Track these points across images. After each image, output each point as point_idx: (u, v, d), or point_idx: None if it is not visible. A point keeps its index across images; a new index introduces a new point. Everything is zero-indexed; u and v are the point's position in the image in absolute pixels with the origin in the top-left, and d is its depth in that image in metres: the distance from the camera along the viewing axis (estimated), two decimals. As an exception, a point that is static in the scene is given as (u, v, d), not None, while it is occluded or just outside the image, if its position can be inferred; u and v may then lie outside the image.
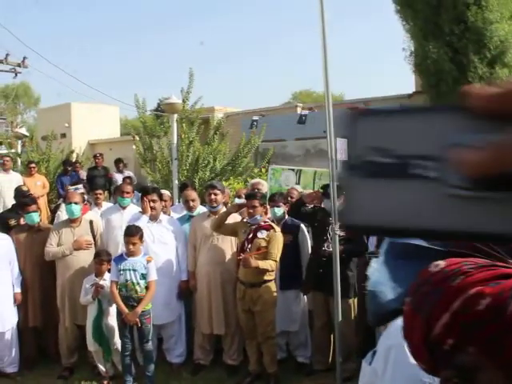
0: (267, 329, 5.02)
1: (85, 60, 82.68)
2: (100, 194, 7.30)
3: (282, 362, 5.35)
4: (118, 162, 11.34)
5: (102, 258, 5.10)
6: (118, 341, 5.12)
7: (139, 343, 5.09)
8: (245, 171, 9.95)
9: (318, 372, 5.32)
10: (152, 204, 5.41)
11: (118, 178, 10.91)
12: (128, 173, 11.23)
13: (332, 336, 5.33)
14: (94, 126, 32.31)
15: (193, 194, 5.90)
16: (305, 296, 5.53)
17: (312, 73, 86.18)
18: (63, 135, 27.01)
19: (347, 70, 76.85)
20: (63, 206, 6.45)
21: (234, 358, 5.47)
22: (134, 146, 27.94)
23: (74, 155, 14.36)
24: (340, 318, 4.64)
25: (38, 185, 10.13)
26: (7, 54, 17.41)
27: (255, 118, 19.92)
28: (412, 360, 1.63)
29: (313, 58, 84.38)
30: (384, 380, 1.71)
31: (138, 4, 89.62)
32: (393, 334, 1.74)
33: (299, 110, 22.43)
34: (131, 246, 4.92)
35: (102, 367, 5.25)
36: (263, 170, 8.94)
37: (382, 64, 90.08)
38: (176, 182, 8.74)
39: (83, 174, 10.94)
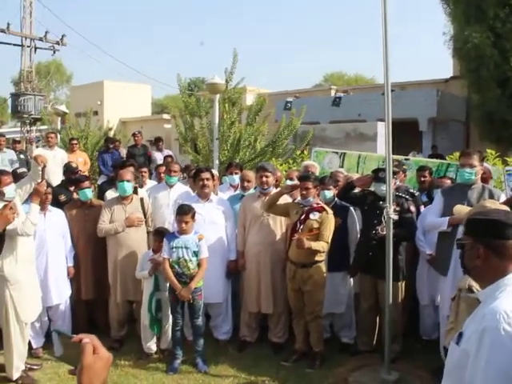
0: (316, 308, 5.11)
1: (113, 39, 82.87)
2: (145, 172, 7.40)
3: (325, 342, 5.43)
4: (157, 140, 11.46)
5: (162, 235, 5.19)
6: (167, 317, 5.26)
7: (190, 319, 5.22)
8: (285, 153, 9.98)
9: (362, 353, 5.40)
10: (205, 182, 5.49)
11: (158, 156, 11.04)
12: (167, 151, 11.36)
13: (378, 318, 5.40)
14: (125, 104, 32.65)
15: (250, 175, 5.97)
16: (351, 278, 5.59)
17: (342, 55, 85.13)
18: (95, 113, 27.31)
19: (377, 52, 75.60)
20: (109, 191, 6.54)
21: (279, 336, 5.58)
22: (165, 125, 28.17)
23: (112, 132, 14.54)
24: (391, 301, 4.70)
25: (80, 161, 10.30)
26: (46, 32, 17.64)
27: (289, 99, 19.89)
28: (509, 343, 1.69)
29: (342, 40, 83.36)
30: (478, 361, 1.75)
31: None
32: (487, 316, 1.78)
33: (333, 93, 22.33)
34: (184, 225, 5.01)
35: (148, 343, 5.38)
36: (305, 152, 8.95)
37: (417, 47, 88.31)
38: (217, 161, 8.84)
39: (123, 152, 11.10)
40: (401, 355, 5.23)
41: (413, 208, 5.23)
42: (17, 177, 5.32)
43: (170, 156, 10.25)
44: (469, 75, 15.58)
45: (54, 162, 9.58)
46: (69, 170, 7.02)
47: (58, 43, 17.98)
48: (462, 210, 4.26)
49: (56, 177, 8.75)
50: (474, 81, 15.29)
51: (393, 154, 4.80)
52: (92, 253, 5.78)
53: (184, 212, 5.03)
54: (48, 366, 5.17)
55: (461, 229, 4.18)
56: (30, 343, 5.15)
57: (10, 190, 4.61)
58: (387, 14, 4.33)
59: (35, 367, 5.05)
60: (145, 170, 7.46)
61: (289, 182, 5.61)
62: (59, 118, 13.99)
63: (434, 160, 7.77)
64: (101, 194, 7.21)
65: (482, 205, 3.75)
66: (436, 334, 5.60)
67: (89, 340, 1.37)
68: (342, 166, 7.47)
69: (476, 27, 14.39)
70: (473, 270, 2.05)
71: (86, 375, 1.32)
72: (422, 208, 5.73)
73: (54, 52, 18.37)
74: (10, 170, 6.44)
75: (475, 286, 2.98)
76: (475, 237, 2.02)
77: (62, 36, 17.86)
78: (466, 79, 16.23)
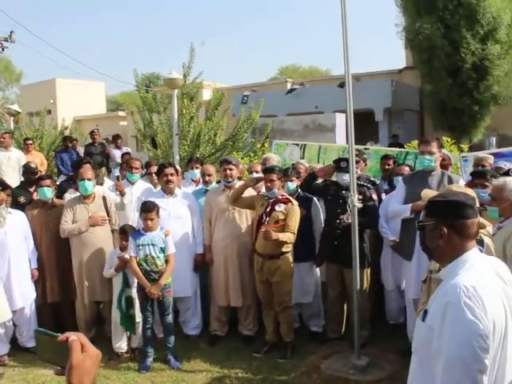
0: (285, 299, 5.16)
1: (62, 34, 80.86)
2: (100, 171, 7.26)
3: (295, 332, 5.48)
4: (115, 137, 11.29)
5: (127, 233, 5.14)
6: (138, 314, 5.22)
7: (160, 316, 5.19)
8: (245, 146, 10.01)
9: (331, 340, 5.48)
10: (170, 178, 5.46)
11: (116, 153, 10.89)
12: (126, 149, 11.21)
13: (345, 305, 5.50)
14: (79, 102, 32.01)
15: (210, 169, 5.98)
16: (317, 268, 5.67)
17: (297, 47, 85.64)
18: (49, 112, 26.62)
19: (332, 44, 76.43)
20: (71, 189, 6.43)
21: (249, 329, 5.61)
22: (121, 123, 27.72)
23: (67, 131, 14.23)
24: (358, 288, 4.79)
25: (37, 162, 10.04)
26: (-6, 29, 17.05)
27: (246, 93, 19.90)
28: (470, 315, 1.79)
29: (298, 32, 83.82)
30: (442, 335, 1.86)
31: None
32: (449, 291, 1.88)
33: (289, 85, 22.46)
34: (149, 222, 4.98)
35: (118, 343, 5.33)
36: (266, 145, 8.99)
37: (370, 39, 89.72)
38: (177, 157, 8.79)
39: (81, 151, 10.88)
40: (369, 340, 5.34)
41: (375, 196, 5.34)
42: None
43: (128, 153, 10.13)
44: (421, 66, 15.94)
45: (9, 164, 9.33)
46: (28, 170, 6.83)
47: (6, 40, 17.43)
48: (429, 194, 4.36)
49: (12, 178, 8.51)
50: (427, 71, 15.65)
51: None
52: (56, 254, 5.66)
53: (148, 209, 5.00)
54: (15, 373, 5.06)
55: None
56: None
57: None
58: (346, 7, 4.38)
59: (-2, 375, 4.90)
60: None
61: (254, 175, 5.62)
62: (12, 118, 13.58)
63: (393, 149, 7.95)
64: (60, 194, 7.05)
65: (449, 188, 3.87)
66: (402, 317, 5.75)
67: (76, 337, 1.33)
68: (302, 158, 7.54)
69: (427, 18, 14.72)
70: (435, 250, 2.14)
71: (76, 374, 1.29)
72: (384, 196, 5.86)
73: (3, 49, 17.80)
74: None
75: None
76: (437, 217, 2.10)
77: (11, 32, 17.31)
78: (419, 69, 16.60)
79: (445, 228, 2.05)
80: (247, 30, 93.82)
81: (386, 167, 6.50)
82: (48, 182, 5.72)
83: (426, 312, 2.02)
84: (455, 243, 2.06)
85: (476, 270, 1.97)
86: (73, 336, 1.33)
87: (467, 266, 1.99)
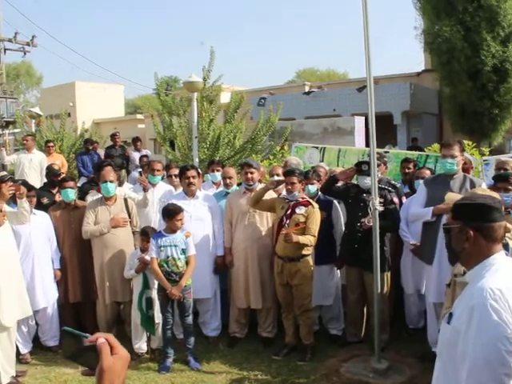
0: (305, 302, 5.17)
1: (81, 37, 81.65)
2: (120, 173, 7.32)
3: (314, 335, 5.49)
4: (135, 140, 11.39)
5: (149, 235, 5.18)
6: (158, 315, 5.26)
7: (180, 317, 5.22)
8: (264, 149, 10.04)
9: (350, 344, 5.47)
10: (191, 180, 5.50)
11: (136, 156, 10.98)
12: (145, 151, 11.30)
13: (365, 309, 5.49)
14: (98, 105, 32.33)
15: (231, 171, 6.01)
16: (338, 270, 5.67)
17: (314, 50, 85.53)
18: (68, 114, 26.94)
19: (349, 47, 76.30)
20: (93, 191, 6.51)
21: (268, 331, 5.62)
22: (139, 125, 27.94)
23: (88, 134, 14.40)
24: (379, 291, 4.78)
25: (57, 164, 10.18)
26: (16, 33, 17.35)
27: (263, 95, 19.94)
28: (496, 318, 1.79)
29: (315, 35, 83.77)
30: (468, 338, 1.85)
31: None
32: (475, 294, 1.88)
33: (307, 89, 22.45)
34: (179, 223, 5.03)
35: (138, 344, 5.38)
36: (285, 147, 9.01)
37: (388, 41, 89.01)
38: (196, 159, 8.83)
39: (102, 153, 11.00)
40: (389, 344, 5.32)
41: (396, 199, 5.33)
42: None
43: (146, 156, 10.21)
44: (440, 68, 15.86)
45: (31, 165, 9.46)
46: (51, 172, 6.93)
47: (28, 44, 17.69)
48: (454, 197, 4.35)
49: (34, 180, 8.65)
50: (446, 74, 15.57)
51: (369, 147, 4.87)
52: (78, 254, 5.73)
53: (175, 212, 5.02)
54: (37, 371, 5.13)
55: (445, 218, 4.29)
56: (17, 349, 5.10)
57: None
58: (368, 11, 4.38)
59: (19, 374, 4.95)
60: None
61: (275, 178, 5.64)
62: (33, 121, 13.77)
63: (413, 152, 7.91)
64: (82, 196, 7.14)
65: (473, 192, 3.86)
66: (422, 322, 5.72)
67: (104, 340, 1.31)
68: (322, 161, 7.55)
69: (446, 21, 14.65)
70: (461, 253, 2.13)
71: (107, 378, 1.27)
72: (404, 199, 5.84)
73: (25, 53, 18.07)
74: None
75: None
76: (464, 221, 2.10)
77: (32, 37, 17.58)
78: (438, 72, 16.51)
79: (471, 231, 2.05)
80: (263, 34, 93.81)
81: (407, 170, 6.48)
82: (71, 183, 5.80)
83: (451, 315, 2.02)
84: (481, 246, 2.06)
85: (502, 273, 1.97)
86: (102, 338, 1.31)
87: (493, 269, 1.99)
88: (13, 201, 5.15)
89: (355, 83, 20.29)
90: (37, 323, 5.52)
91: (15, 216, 4.90)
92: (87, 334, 1.34)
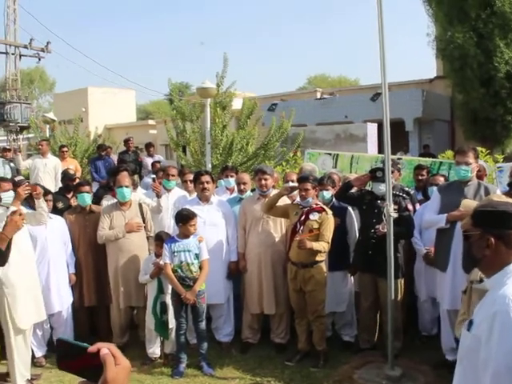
0: (318, 308, 5.18)
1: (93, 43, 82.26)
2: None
3: (327, 341, 5.49)
4: (148, 146, 11.47)
5: (163, 240, 5.21)
6: (172, 320, 5.28)
7: (193, 322, 5.24)
8: (276, 155, 10.07)
9: (363, 350, 5.46)
10: (206, 185, 5.53)
11: (149, 161, 11.05)
12: (158, 157, 11.37)
13: (378, 315, 5.48)
14: (110, 110, 32.54)
15: (245, 177, 6.04)
16: (351, 277, 5.67)
17: (325, 57, 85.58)
18: (80, 120, 27.14)
19: (361, 53, 76.32)
20: (107, 196, 6.58)
21: (281, 337, 5.63)
22: (150, 131, 28.07)
23: (101, 139, 14.52)
24: (392, 298, 4.77)
25: (71, 168, 10.27)
26: (31, 39, 17.54)
27: (275, 102, 19.99)
28: None
29: (326, 41, 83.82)
30: (489, 345, 1.84)
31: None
32: (496, 301, 1.88)
33: (318, 95, 22.48)
34: (192, 228, 5.06)
35: (152, 348, 5.41)
36: (298, 153, 9.03)
37: (402, 48, 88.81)
38: (209, 165, 8.88)
39: (115, 159, 11.08)
40: (402, 351, 5.30)
41: (410, 206, 5.32)
42: (15, 185, 5.32)
43: (159, 161, 10.27)
44: (453, 75, 15.82)
45: (46, 170, 9.57)
46: (67, 176, 7.01)
47: (42, 50, 17.90)
48: (469, 204, 4.34)
49: (48, 184, 8.72)
50: (459, 80, 15.53)
51: (382, 153, 4.88)
52: (93, 259, 5.78)
53: (189, 217, 5.05)
54: (52, 374, 5.15)
55: (459, 225, 4.28)
56: (32, 352, 5.14)
57: (7, 195, 4.66)
58: (383, 18, 4.40)
59: (34, 377, 5.00)
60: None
61: (290, 184, 5.66)
62: (47, 126, 13.92)
63: (426, 159, 7.90)
64: (96, 201, 7.19)
65: (489, 198, 3.85)
66: (435, 329, 5.70)
67: (108, 351, 1.25)
68: (335, 167, 7.56)
69: (459, 28, 14.63)
70: (482, 260, 2.13)
71: None
72: (418, 206, 5.83)
73: (39, 59, 18.27)
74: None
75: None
76: (485, 227, 2.10)
77: (47, 43, 17.78)
78: (450, 79, 16.48)
79: (492, 238, 2.06)
80: (275, 40, 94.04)
81: (420, 177, 6.48)
82: (87, 188, 5.86)
83: (471, 322, 2.02)
84: (502, 253, 2.06)
85: None
86: (105, 349, 1.26)
87: None
88: (28, 204, 5.22)
89: (367, 90, 20.30)
90: (51, 327, 5.57)
91: (34, 217, 4.98)
92: (85, 344, 1.29)
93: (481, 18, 14.39)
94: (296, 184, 5.44)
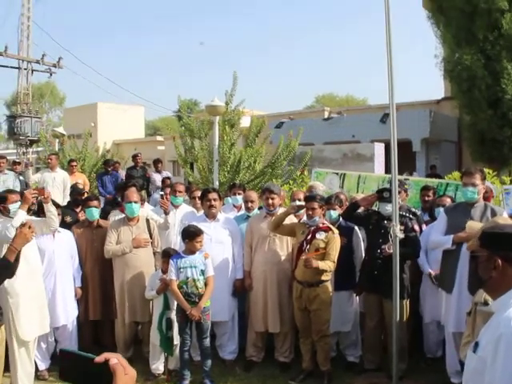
0: (323, 327, 5.16)
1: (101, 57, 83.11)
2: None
3: (331, 361, 5.46)
4: (156, 162, 11.54)
5: (170, 256, 5.23)
6: (177, 336, 5.28)
7: (197, 339, 5.24)
8: (283, 174, 10.12)
9: (368, 371, 5.44)
10: (213, 203, 5.57)
11: (156, 177, 11.11)
12: (166, 173, 11.43)
13: (383, 336, 5.46)
14: (119, 125, 32.79)
15: (253, 195, 6.08)
16: (357, 297, 5.66)
17: (334, 76, 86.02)
18: (89, 134, 27.37)
19: (370, 73, 76.71)
20: (115, 211, 6.63)
21: (286, 356, 5.61)
22: (159, 147, 28.22)
23: (109, 154, 14.64)
24: (398, 319, 4.76)
25: (80, 183, 10.35)
26: (43, 55, 17.81)
27: (283, 120, 20.11)
28: None
29: (334, 60, 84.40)
30: (495, 367, 1.85)
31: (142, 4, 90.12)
32: (502, 323, 1.89)
33: (326, 114, 22.59)
34: (198, 245, 5.08)
35: (156, 364, 5.40)
36: (305, 172, 9.08)
37: (407, 69, 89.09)
38: (217, 182, 8.93)
39: (122, 174, 11.16)
40: (407, 373, 5.27)
41: (416, 227, 5.34)
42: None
43: (169, 178, 10.32)
44: (461, 96, 15.88)
45: (54, 184, 9.63)
46: (75, 191, 7.08)
47: (54, 66, 18.16)
48: (474, 226, 4.36)
49: (57, 198, 8.77)
50: (466, 102, 15.58)
51: (389, 173, 4.91)
52: (99, 273, 5.81)
53: (196, 234, 5.08)
54: (55, 388, 5.17)
55: (465, 246, 4.29)
56: (36, 365, 5.15)
57: (14, 206, 4.72)
58: (391, 39, 4.46)
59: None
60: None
61: (297, 203, 5.69)
62: (57, 140, 14.07)
63: (434, 180, 7.92)
64: (104, 216, 7.24)
65: (495, 221, 3.87)
66: (440, 351, 5.66)
67: (117, 360, 1.27)
68: (342, 187, 7.59)
69: (467, 49, 14.72)
70: (488, 281, 2.15)
71: None
72: (424, 227, 5.84)
73: (51, 74, 18.52)
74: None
75: (491, 299, 3.09)
76: (492, 249, 2.12)
77: (59, 59, 18.05)
78: (458, 100, 16.53)
79: (499, 260, 2.08)
80: (283, 59, 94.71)
81: (426, 198, 6.50)
82: (95, 202, 5.91)
83: (477, 344, 2.03)
84: (509, 275, 2.07)
85: None
86: (114, 359, 1.28)
87: None
88: (37, 215, 5.29)
89: (374, 109, 20.40)
90: (55, 340, 5.58)
91: (44, 223, 5.02)
92: (90, 355, 1.30)
93: (488, 40, 14.49)
94: (303, 203, 5.47)
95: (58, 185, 9.66)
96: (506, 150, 15.36)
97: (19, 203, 4.77)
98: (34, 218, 5.07)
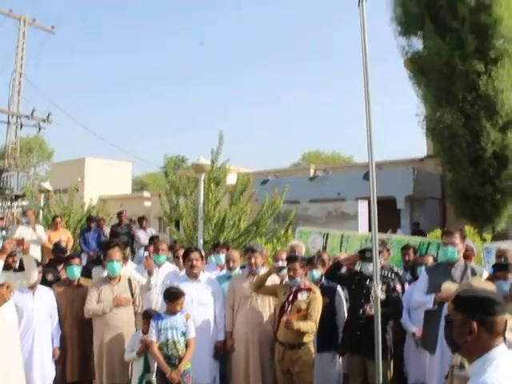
0: (305, 390, 5.06)
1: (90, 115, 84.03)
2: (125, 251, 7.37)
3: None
4: (141, 219, 11.54)
5: (151, 317, 5.16)
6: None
7: (178, 402, 5.10)
8: (268, 232, 10.13)
9: None
10: (195, 262, 5.56)
11: (141, 235, 11.08)
12: (151, 230, 11.41)
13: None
14: (106, 181, 32.81)
15: (235, 255, 6.07)
16: (340, 358, 5.59)
17: (320, 133, 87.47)
18: (76, 190, 27.33)
19: (354, 131, 78.20)
20: (96, 268, 6.60)
21: (268, 419, 5.47)
22: (145, 203, 28.13)
23: (95, 211, 14.60)
24: (381, 381, 4.69)
25: (64, 239, 10.28)
26: (33, 110, 18.04)
27: (269, 178, 20.29)
28: None
29: (321, 118, 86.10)
30: None
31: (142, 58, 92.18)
32: None
33: (312, 172, 22.86)
34: (178, 307, 5.03)
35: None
36: (289, 231, 9.12)
37: (390, 127, 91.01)
38: (201, 241, 8.90)
39: (107, 231, 11.12)
40: None
41: (398, 287, 5.35)
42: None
43: (157, 236, 10.29)
44: (442, 154, 16.18)
45: (32, 240, 9.55)
46: (58, 249, 7.03)
47: (43, 121, 18.37)
48: (450, 287, 4.39)
49: (34, 254, 8.69)
50: (448, 159, 15.87)
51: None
52: (79, 333, 5.72)
53: (177, 296, 5.04)
54: None
55: (446, 307, 4.30)
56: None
57: None
58: (370, 97, 4.59)
59: None
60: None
61: (279, 263, 5.70)
62: (43, 195, 14.06)
63: (416, 238, 7.99)
64: (86, 273, 7.17)
65: (469, 283, 3.91)
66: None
67: None
68: (325, 247, 7.63)
69: (447, 109, 15.13)
70: (463, 346, 2.16)
71: None
72: (407, 286, 5.86)
73: (40, 129, 18.72)
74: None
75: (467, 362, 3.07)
76: (467, 313, 2.14)
77: (48, 114, 18.28)
78: (440, 158, 16.83)
79: (475, 324, 2.09)
80: (268, 117, 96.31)
81: (407, 258, 6.56)
82: (77, 260, 5.89)
83: None
84: (484, 339, 2.08)
85: (503, 368, 1.99)
86: None
87: (494, 364, 2.02)
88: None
89: (360, 167, 20.65)
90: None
91: (24, 277, 4.96)
92: None
93: (467, 100, 14.91)
94: (285, 264, 5.48)
95: (36, 241, 9.59)
96: (489, 206, 15.55)
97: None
98: (12, 273, 5.02)
